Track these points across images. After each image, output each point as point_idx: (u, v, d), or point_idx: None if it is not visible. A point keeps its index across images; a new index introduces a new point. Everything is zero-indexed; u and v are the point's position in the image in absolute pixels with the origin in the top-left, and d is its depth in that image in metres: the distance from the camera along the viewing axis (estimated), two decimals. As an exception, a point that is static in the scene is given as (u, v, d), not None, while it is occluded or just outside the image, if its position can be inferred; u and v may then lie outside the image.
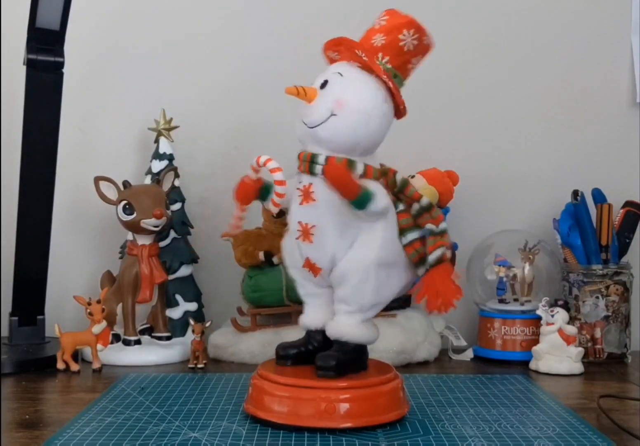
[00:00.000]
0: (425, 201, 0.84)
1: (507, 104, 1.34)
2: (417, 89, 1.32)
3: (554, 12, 1.34)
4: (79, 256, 1.34)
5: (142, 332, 1.22)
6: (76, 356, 1.12)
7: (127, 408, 0.90)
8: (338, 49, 0.86)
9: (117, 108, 1.34)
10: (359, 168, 0.83)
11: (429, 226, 0.83)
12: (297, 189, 0.84)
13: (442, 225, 0.83)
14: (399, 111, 0.86)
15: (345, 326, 0.85)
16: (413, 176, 1.23)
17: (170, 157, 1.26)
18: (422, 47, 0.86)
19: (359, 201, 0.80)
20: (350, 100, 0.82)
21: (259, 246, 1.18)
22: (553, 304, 1.15)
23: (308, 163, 0.83)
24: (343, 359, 0.84)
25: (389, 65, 0.84)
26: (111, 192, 1.19)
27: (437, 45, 1.33)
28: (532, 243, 1.21)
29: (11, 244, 1.19)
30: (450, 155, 1.31)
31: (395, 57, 0.84)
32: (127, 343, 1.18)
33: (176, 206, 1.26)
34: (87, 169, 1.27)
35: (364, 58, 0.83)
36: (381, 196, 0.82)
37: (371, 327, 0.87)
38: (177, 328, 1.24)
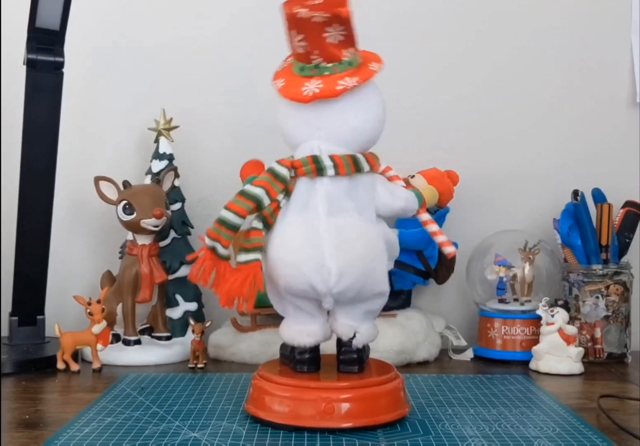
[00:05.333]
0: None
1: (507, 104, 1.34)
2: (418, 89, 1.34)
3: (554, 12, 1.34)
4: (79, 256, 1.34)
5: (142, 332, 1.22)
6: (76, 356, 1.12)
7: (127, 408, 0.90)
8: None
9: (117, 108, 1.34)
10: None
11: None
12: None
13: None
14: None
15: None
16: (413, 176, 1.23)
17: (170, 157, 1.26)
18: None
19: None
20: None
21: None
22: (553, 304, 1.15)
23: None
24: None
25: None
26: (111, 192, 1.19)
27: (437, 45, 1.34)
28: (532, 243, 1.21)
29: (11, 244, 1.19)
30: (450, 155, 1.31)
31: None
32: (127, 343, 1.18)
33: (176, 206, 1.26)
34: (87, 169, 1.28)
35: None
36: None
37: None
38: (177, 328, 1.24)
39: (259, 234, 0.82)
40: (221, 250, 0.82)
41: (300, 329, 0.85)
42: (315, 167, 0.82)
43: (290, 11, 0.79)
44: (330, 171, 0.82)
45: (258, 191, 0.82)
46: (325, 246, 0.80)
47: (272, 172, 0.83)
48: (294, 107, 0.83)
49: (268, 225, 0.83)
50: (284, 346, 0.89)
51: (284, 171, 0.83)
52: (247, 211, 0.81)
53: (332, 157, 0.82)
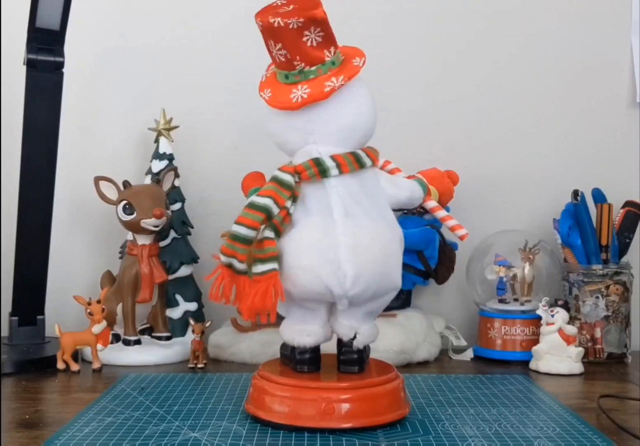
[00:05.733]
0: None
1: (507, 104, 1.34)
2: (418, 89, 1.34)
3: (554, 12, 1.34)
4: (79, 256, 1.34)
5: (142, 332, 1.22)
6: (76, 356, 1.12)
7: (127, 408, 0.90)
8: None
9: (117, 108, 1.34)
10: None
11: None
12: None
13: None
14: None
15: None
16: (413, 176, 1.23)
17: (170, 157, 1.26)
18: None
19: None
20: None
21: (259, 246, 1.18)
22: (553, 304, 1.15)
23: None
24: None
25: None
26: (111, 192, 1.19)
27: (437, 45, 1.34)
28: (532, 243, 1.21)
29: (11, 244, 1.19)
30: (450, 155, 1.31)
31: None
32: (127, 343, 1.18)
33: (176, 206, 1.26)
34: (87, 169, 1.27)
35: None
36: None
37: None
38: (177, 328, 1.24)
39: (272, 243, 0.81)
40: (238, 265, 0.81)
41: (301, 329, 0.85)
42: (318, 169, 0.81)
43: (265, 21, 0.79)
44: (334, 171, 0.81)
45: (266, 201, 0.81)
46: (342, 249, 0.80)
47: (277, 180, 0.82)
48: (285, 115, 0.83)
49: (279, 233, 0.82)
50: (284, 346, 0.89)
51: (288, 178, 0.82)
52: (259, 222, 0.81)
53: (333, 157, 0.82)
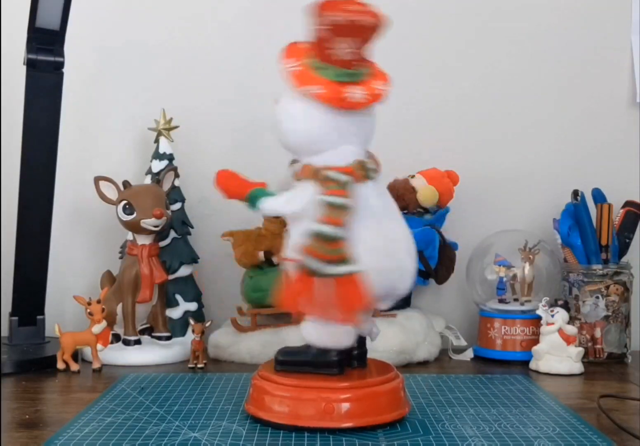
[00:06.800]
0: None
1: (507, 104, 1.34)
2: (417, 89, 1.34)
3: (554, 12, 1.34)
4: (79, 256, 1.34)
5: (142, 332, 1.22)
6: (76, 356, 1.12)
7: (127, 408, 0.90)
8: None
9: (117, 108, 1.34)
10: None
11: None
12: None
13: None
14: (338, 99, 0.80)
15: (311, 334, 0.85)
16: (413, 176, 1.23)
17: (170, 157, 1.26)
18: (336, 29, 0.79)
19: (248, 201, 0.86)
20: None
21: (258, 246, 1.18)
22: (553, 304, 1.15)
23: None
24: (340, 357, 0.85)
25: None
26: (111, 192, 1.19)
27: (436, 44, 1.34)
28: (532, 243, 1.21)
29: (11, 244, 1.19)
30: (450, 155, 1.31)
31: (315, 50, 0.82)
32: (127, 343, 1.18)
33: (176, 206, 1.26)
34: (87, 169, 1.28)
35: None
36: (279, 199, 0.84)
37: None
38: (177, 328, 1.24)
39: (346, 243, 0.79)
40: (318, 266, 0.78)
41: (343, 330, 0.83)
42: (367, 172, 0.82)
43: (349, 18, 0.77)
44: (375, 175, 0.83)
45: (345, 201, 0.79)
46: (402, 249, 0.83)
47: (337, 181, 0.80)
48: (329, 113, 0.80)
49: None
50: (290, 353, 0.87)
51: (346, 178, 0.80)
52: (342, 221, 0.79)
53: (372, 161, 0.83)
